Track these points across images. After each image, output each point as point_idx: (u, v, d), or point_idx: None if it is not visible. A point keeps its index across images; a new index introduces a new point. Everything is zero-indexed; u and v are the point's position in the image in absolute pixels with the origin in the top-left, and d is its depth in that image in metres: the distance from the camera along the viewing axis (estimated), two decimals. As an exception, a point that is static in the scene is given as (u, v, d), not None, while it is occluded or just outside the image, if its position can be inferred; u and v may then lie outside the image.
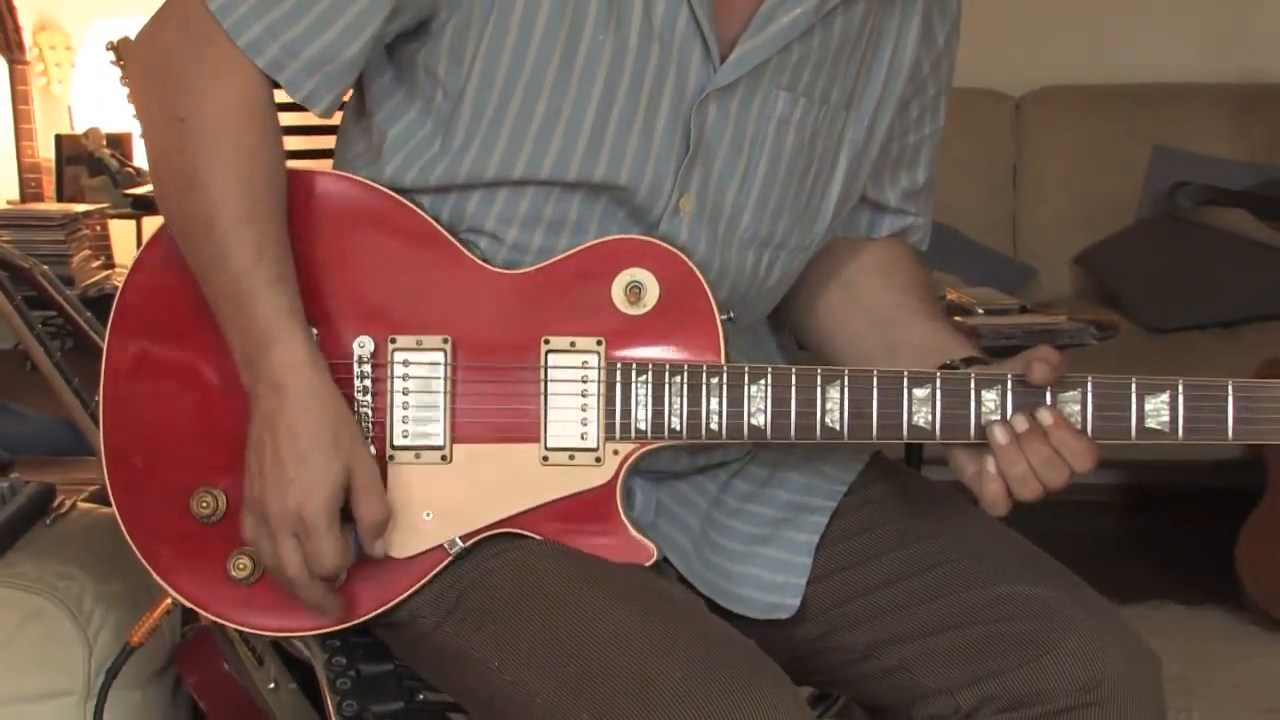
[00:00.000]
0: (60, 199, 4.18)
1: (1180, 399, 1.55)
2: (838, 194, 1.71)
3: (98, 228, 4.01)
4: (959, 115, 4.79)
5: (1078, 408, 1.56)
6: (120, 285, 1.64)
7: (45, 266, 2.67)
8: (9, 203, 4.11)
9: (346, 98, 1.68)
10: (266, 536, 1.53)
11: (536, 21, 1.55)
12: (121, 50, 3.88)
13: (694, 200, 1.62)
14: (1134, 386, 1.56)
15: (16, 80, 4.12)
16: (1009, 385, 1.56)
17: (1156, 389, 1.55)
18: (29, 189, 4.12)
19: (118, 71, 3.90)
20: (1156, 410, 1.55)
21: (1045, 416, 1.55)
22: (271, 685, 2.19)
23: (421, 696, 1.72)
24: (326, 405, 1.53)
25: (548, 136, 1.57)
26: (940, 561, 1.65)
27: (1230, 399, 1.55)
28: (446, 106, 1.59)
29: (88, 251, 3.88)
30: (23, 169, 4.13)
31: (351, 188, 1.61)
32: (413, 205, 1.60)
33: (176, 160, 1.54)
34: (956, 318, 3.88)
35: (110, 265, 4.00)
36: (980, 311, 3.95)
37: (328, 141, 1.83)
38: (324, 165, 1.73)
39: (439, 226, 1.60)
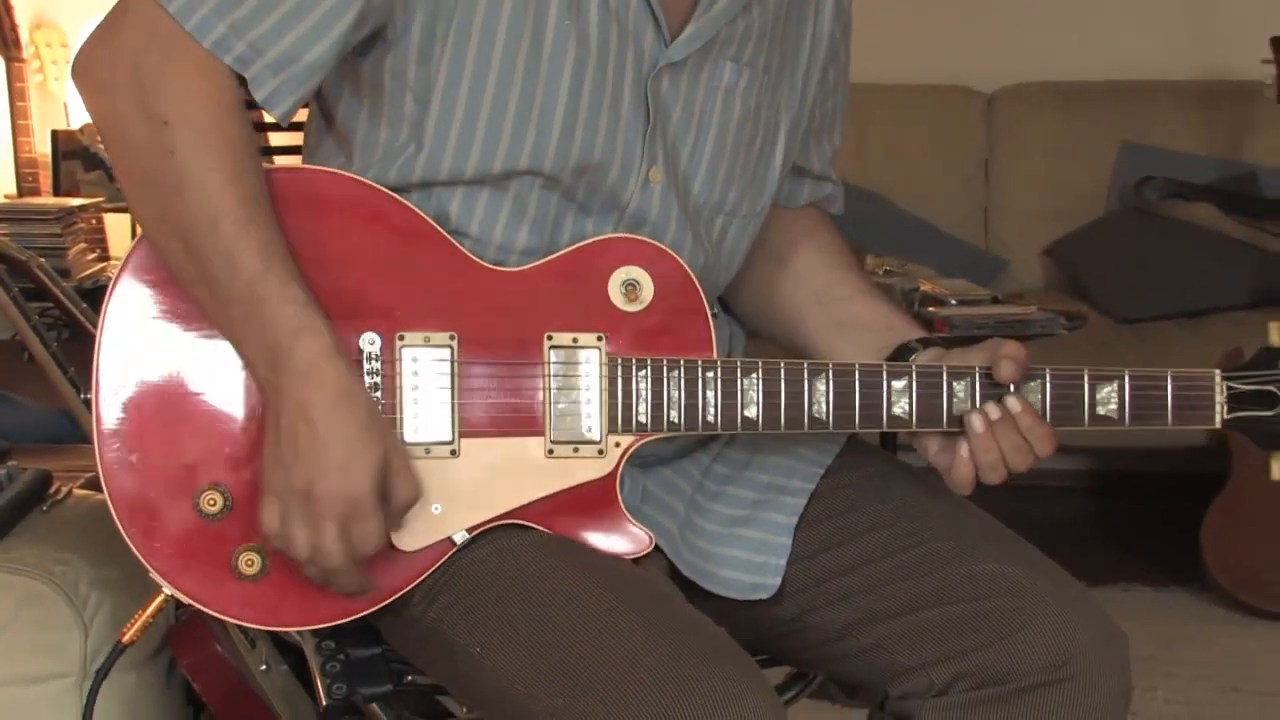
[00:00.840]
0: (56, 193, 4.17)
1: (1127, 388, 1.62)
2: (780, 161, 1.75)
3: (93, 221, 4.00)
4: (933, 111, 4.86)
5: (1038, 397, 1.62)
6: (112, 279, 1.59)
7: (42, 259, 2.65)
8: (6, 197, 4.10)
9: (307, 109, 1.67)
10: (303, 524, 1.50)
11: (502, 11, 1.55)
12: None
13: (662, 170, 1.64)
14: (1086, 377, 1.63)
15: (13, 77, 4.11)
16: (977, 378, 1.62)
17: (1105, 379, 1.62)
18: (26, 184, 4.11)
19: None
20: (1106, 399, 1.62)
21: (1014, 404, 1.60)
22: (264, 667, 2.18)
23: (409, 679, 1.72)
24: (358, 393, 1.51)
25: (524, 123, 1.57)
26: (916, 542, 1.66)
27: (1170, 388, 1.62)
28: (418, 110, 1.58)
29: (83, 244, 3.87)
30: (20, 164, 4.11)
31: (352, 186, 1.59)
32: (413, 206, 1.58)
33: (165, 163, 1.49)
34: (930, 308, 3.88)
35: (105, 258, 3.99)
36: (953, 302, 3.95)
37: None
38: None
39: (438, 227, 1.59)
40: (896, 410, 1.61)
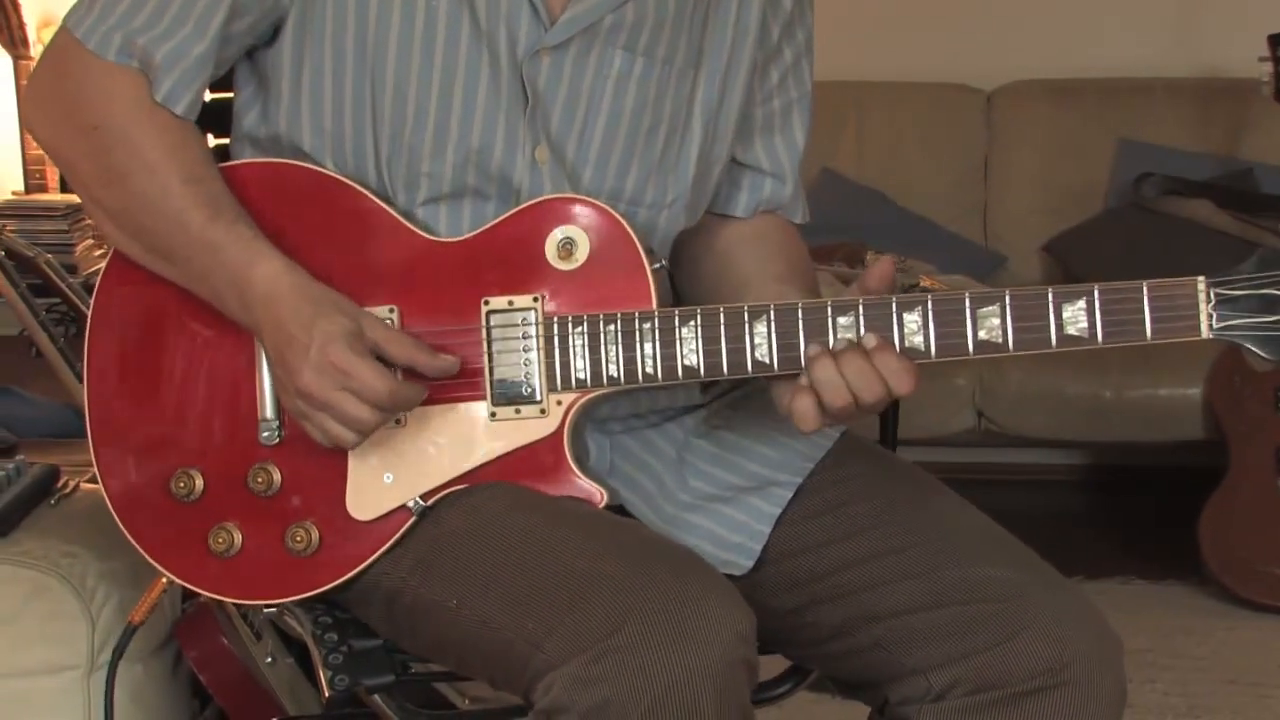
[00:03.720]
0: (64, 190, 4.16)
1: (1097, 304, 1.54)
2: (697, 153, 1.73)
3: (100, 218, 4.00)
4: (932, 108, 4.86)
5: (997, 321, 1.55)
6: (97, 281, 1.69)
7: (49, 255, 2.67)
8: (14, 194, 4.10)
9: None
10: (328, 417, 1.55)
11: None
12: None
13: (547, 151, 1.65)
14: (1050, 296, 1.55)
15: (20, 75, 4.10)
16: (929, 306, 1.56)
17: (1073, 296, 1.54)
18: (33, 180, 4.11)
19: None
20: (1074, 317, 1.55)
21: (870, 339, 1.55)
22: (269, 659, 2.19)
23: (411, 669, 1.73)
24: (314, 288, 1.57)
25: (402, 97, 1.61)
26: (912, 542, 1.65)
27: (1146, 300, 1.54)
28: (294, 108, 1.65)
29: (90, 240, 3.87)
30: (27, 161, 4.11)
31: (291, 171, 1.65)
32: (353, 183, 1.63)
33: (105, 161, 1.60)
34: (921, 292, 3.88)
35: (112, 254, 3.99)
36: (952, 298, 3.95)
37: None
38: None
39: (379, 200, 1.63)
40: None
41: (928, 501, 1.70)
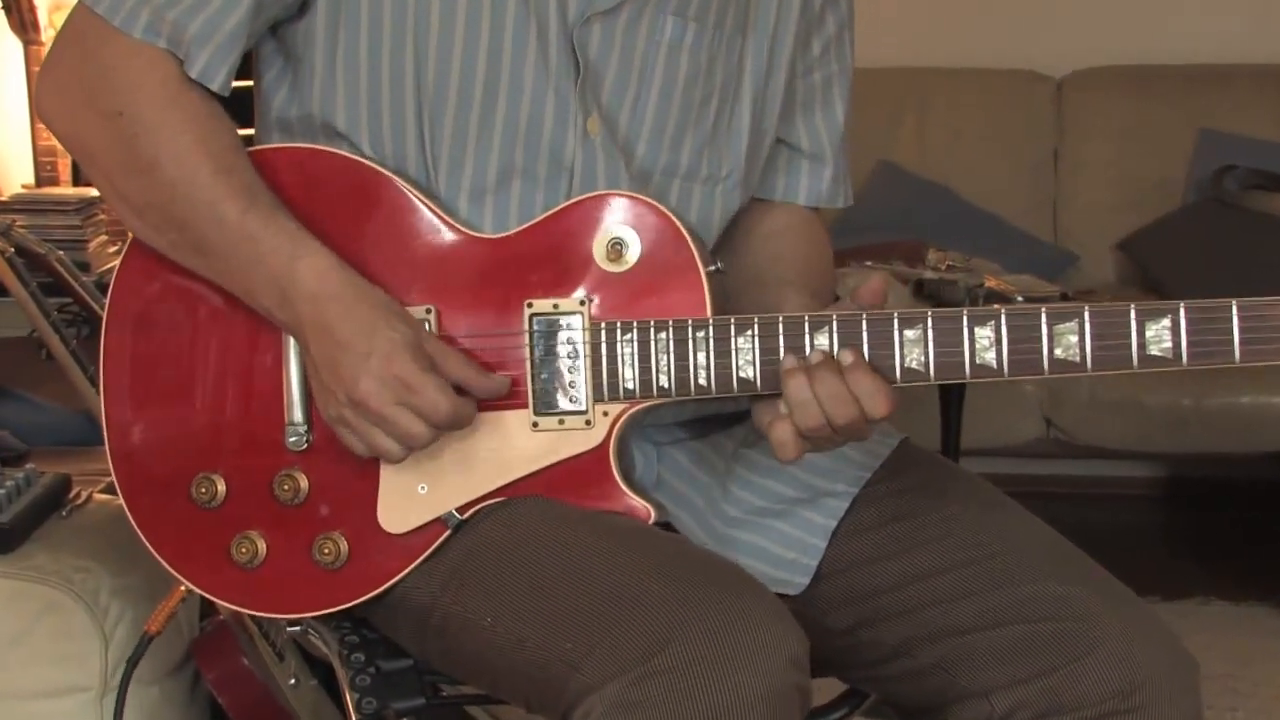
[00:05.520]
0: (76, 183, 4.17)
1: (1183, 323, 1.52)
2: (749, 124, 1.74)
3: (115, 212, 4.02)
4: (999, 96, 4.84)
5: (1075, 339, 1.54)
6: (113, 276, 1.69)
7: (61, 252, 2.68)
8: (24, 187, 4.11)
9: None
10: (377, 430, 1.55)
11: None
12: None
13: (600, 123, 1.65)
14: (1133, 313, 1.53)
15: (31, 61, 4.12)
16: (1003, 320, 1.55)
17: (1158, 314, 1.53)
18: (44, 173, 4.12)
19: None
20: (1158, 336, 1.53)
21: (845, 356, 1.54)
22: (292, 681, 2.20)
23: (444, 691, 1.73)
24: (370, 291, 1.57)
25: (445, 70, 1.61)
26: (974, 558, 1.65)
27: (1235, 320, 1.51)
28: (329, 84, 1.65)
29: (104, 237, 3.89)
30: (38, 152, 4.12)
31: (321, 157, 1.65)
32: (387, 171, 1.63)
33: (130, 149, 1.59)
34: (995, 306, 3.87)
35: (127, 251, 4.00)
36: (1020, 299, 3.94)
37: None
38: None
39: (418, 195, 1.63)
40: (911, 363, 1.56)
41: (991, 514, 1.70)
